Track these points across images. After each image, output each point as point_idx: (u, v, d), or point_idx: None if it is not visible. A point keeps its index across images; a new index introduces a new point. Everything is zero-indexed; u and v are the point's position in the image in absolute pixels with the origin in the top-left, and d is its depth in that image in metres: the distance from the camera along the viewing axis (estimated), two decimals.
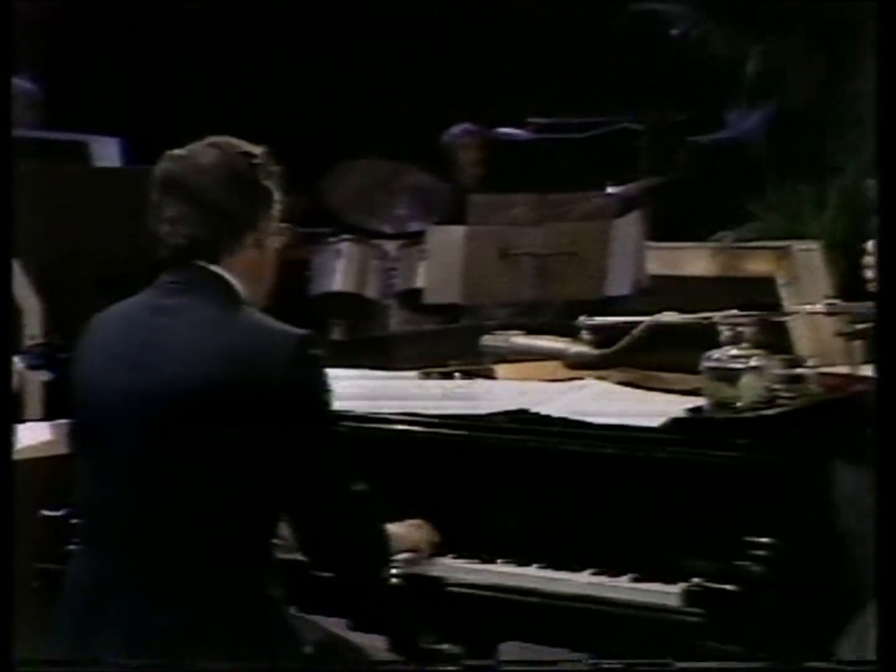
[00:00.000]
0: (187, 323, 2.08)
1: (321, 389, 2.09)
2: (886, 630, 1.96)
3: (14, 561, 2.10)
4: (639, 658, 2.22)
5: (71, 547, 2.33)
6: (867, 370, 2.58)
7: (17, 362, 2.96)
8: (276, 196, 2.16)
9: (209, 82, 5.34)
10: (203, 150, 2.15)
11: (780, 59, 4.31)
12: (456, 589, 2.25)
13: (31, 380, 3.10)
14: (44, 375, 3.08)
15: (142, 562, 2.08)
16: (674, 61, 4.37)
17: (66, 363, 3.01)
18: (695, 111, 4.10)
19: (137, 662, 2.02)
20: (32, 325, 3.19)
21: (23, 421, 3.01)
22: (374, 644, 2.32)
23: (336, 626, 2.29)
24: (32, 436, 2.97)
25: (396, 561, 2.21)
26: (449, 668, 2.21)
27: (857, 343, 2.80)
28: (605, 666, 2.10)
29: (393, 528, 2.20)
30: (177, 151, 2.16)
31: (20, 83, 4.87)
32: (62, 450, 2.75)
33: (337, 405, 2.14)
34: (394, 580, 2.22)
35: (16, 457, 2.88)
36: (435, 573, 2.26)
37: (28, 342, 3.11)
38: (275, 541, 2.14)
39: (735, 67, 4.33)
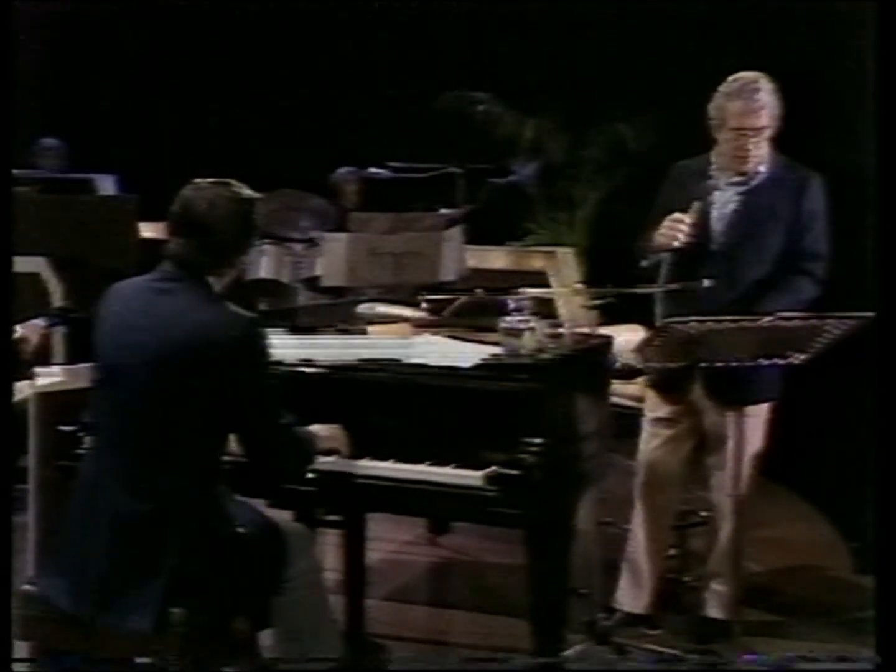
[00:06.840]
0: (175, 302, 1.94)
1: (262, 351, 1.98)
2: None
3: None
4: (453, 519, 2.07)
5: (78, 451, 2.16)
6: (600, 330, 2.57)
7: (42, 321, 2.76)
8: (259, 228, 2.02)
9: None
10: (212, 189, 1.96)
11: (545, 131, 4.35)
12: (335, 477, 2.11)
13: (53, 333, 2.89)
14: (60, 329, 2.88)
15: (131, 460, 1.94)
16: (480, 129, 4.35)
17: (75, 322, 2.84)
18: (493, 163, 4.07)
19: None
20: (55, 299, 2.97)
21: (47, 365, 2.80)
22: (284, 517, 2.19)
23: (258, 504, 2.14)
24: (52, 376, 2.75)
25: (318, 461, 2.05)
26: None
27: (594, 313, 2.81)
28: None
29: (320, 429, 2.09)
30: (191, 188, 1.96)
31: (52, 141, 4.62)
32: (72, 386, 2.56)
33: (274, 355, 2.02)
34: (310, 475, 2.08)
35: (42, 390, 2.67)
36: (330, 468, 2.10)
37: (50, 308, 2.89)
38: (224, 450, 2.00)
39: (518, 134, 4.34)
